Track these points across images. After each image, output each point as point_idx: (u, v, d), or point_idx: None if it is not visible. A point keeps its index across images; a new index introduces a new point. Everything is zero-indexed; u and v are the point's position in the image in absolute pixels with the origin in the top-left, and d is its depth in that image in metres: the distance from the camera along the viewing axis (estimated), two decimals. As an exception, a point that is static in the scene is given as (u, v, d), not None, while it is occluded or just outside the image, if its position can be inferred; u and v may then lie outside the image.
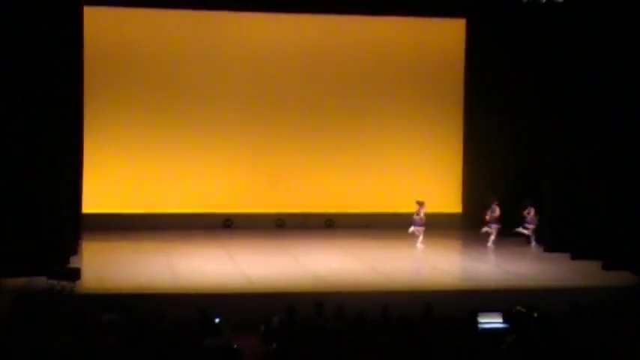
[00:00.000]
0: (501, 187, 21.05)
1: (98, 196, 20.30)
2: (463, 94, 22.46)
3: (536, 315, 12.65)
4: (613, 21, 17.22)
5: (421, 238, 19.32)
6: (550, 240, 18.90)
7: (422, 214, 19.32)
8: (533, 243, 19.60)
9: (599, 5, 17.51)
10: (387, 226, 21.54)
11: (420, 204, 19.37)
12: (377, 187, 22.31)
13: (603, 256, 17.12)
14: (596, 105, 17.74)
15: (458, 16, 22.07)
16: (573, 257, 17.88)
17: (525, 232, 19.77)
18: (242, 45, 21.47)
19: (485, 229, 19.71)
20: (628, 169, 17.12)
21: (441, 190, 22.61)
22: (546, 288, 15.48)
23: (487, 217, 19.67)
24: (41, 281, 14.53)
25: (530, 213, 19.62)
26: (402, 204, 22.23)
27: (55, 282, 14.33)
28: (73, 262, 15.82)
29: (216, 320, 12.14)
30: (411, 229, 19.42)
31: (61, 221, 16.17)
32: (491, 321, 12.32)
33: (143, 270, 16.27)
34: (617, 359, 10.78)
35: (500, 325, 12.30)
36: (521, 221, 19.83)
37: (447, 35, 22.41)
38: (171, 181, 21.44)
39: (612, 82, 17.27)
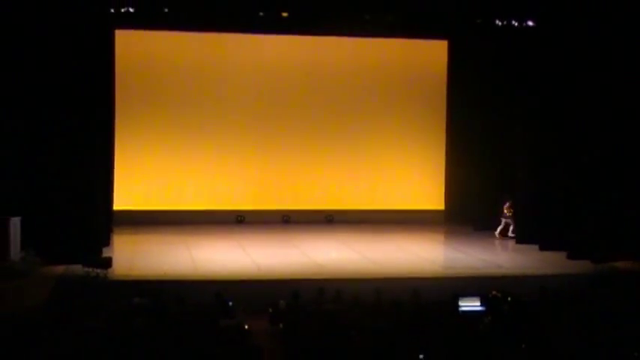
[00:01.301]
0: (479, 186, 21.06)
1: (127, 194, 20.27)
2: (445, 106, 22.42)
3: (509, 299, 12.68)
4: (577, 43, 17.25)
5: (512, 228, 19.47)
6: (521, 233, 18.90)
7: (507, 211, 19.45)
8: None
9: (565, 30, 17.53)
10: (380, 221, 21.54)
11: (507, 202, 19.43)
12: (371, 187, 22.29)
13: (568, 247, 17.15)
14: (563, 114, 17.77)
15: (441, 38, 22.00)
16: (542, 248, 17.88)
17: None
18: (252, 62, 21.44)
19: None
20: (587, 174, 17.15)
21: (427, 189, 22.61)
22: (518, 275, 15.42)
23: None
24: (78, 269, 14.53)
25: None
26: (392, 202, 22.34)
27: (89, 269, 14.34)
28: (106, 253, 15.82)
29: (230, 303, 12.19)
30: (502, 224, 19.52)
31: (95, 217, 16.25)
32: (470, 304, 12.31)
33: (166, 259, 16.26)
34: (580, 337, 10.76)
35: (478, 308, 12.29)
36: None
37: (432, 54, 22.34)
38: (191, 181, 21.41)
39: (578, 93, 17.32)
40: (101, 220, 16.83)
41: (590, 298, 13.51)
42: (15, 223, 14.53)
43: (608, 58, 16.75)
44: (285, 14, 18.82)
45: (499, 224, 19.83)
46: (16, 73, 15.04)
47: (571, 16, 17.22)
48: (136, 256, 16.47)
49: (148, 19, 18.71)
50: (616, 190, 16.92)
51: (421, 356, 9.54)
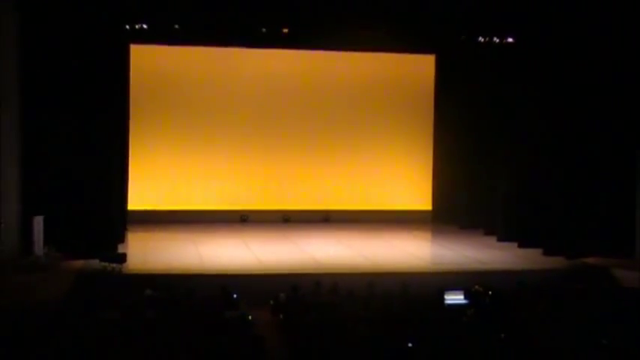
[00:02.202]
0: (464, 189, 21.08)
1: (140, 196, 20.24)
2: (433, 116, 22.40)
3: (490, 293, 12.68)
4: (551, 56, 17.29)
5: None
6: (502, 232, 18.87)
7: None
8: None
9: (540, 46, 17.58)
10: (373, 220, 21.53)
11: None
12: (364, 190, 22.25)
13: (544, 244, 17.13)
14: (538, 123, 17.78)
15: (429, 53, 22.02)
16: (520, 245, 17.84)
17: None
18: (255, 74, 21.42)
19: None
20: (561, 179, 17.20)
21: (415, 191, 22.61)
22: (499, 271, 15.39)
23: None
24: (95, 263, 14.53)
25: None
26: (384, 203, 22.33)
27: (106, 264, 14.34)
28: (121, 249, 15.81)
29: (234, 296, 12.21)
30: None
31: (111, 216, 16.24)
32: (454, 297, 12.38)
33: (176, 255, 16.24)
34: (555, 327, 10.80)
35: (462, 301, 12.34)
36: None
37: (420, 67, 22.33)
38: (199, 184, 21.36)
39: (553, 102, 17.35)
40: (117, 219, 16.84)
41: (563, 291, 13.58)
42: (38, 221, 14.54)
43: (580, 70, 16.81)
44: (285, 30, 18.82)
45: (481, 224, 19.83)
46: (43, 83, 15.04)
47: (546, 33, 17.29)
48: (148, 252, 16.47)
49: (160, 35, 18.68)
50: (587, 193, 16.95)
51: (409, 345, 9.55)
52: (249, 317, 11.18)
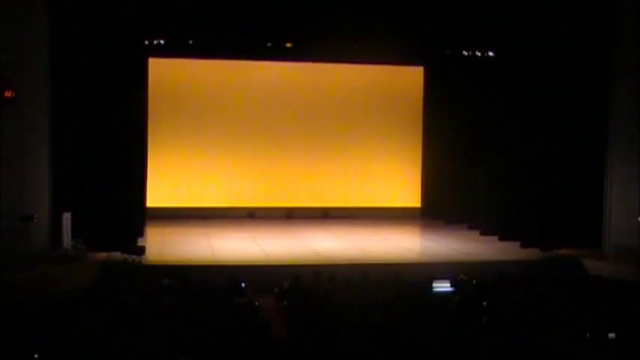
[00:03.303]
0: (450, 188, 21.07)
1: (158, 194, 20.25)
2: (422, 122, 22.43)
3: (474, 281, 12.69)
4: (526, 68, 17.35)
5: None
6: (484, 226, 18.91)
7: None
8: None
9: (517, 59, 17.61)
10: (368, 216, 21.56)
11: None
12: (360, 188, 22.27)
13: (521, 237, 17.14)
14: (519, 127, 17.80)
15: (418, 65, 22.04)
16: (500, 239, 17.87)
17: None
18: (261, 83, 21.43)
19: None
20: (536, 178, 17.21)
21: (406, 190, 22.62)
22: (482, 261, 15.39)
23: None
24: (117, 255, 14.54)
25: None
26: (378, 200, 22.36)
27: (127, 256, 14.34)
28: (140, 242, 15.82)
29: (243, 284, 12.19)
30: None
31: (131, 212, 16.23)
32: (442, 285, 12.35)
33: (190, 248, 16.23)
34: (532, 311, 10.83)
35: (449, 289, 12.32)
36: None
37: (410, 78, 22.34)
38: (211, 183, 21.38)
39: (529, 107, 17.39)
40: (136, 216, 16.84)
41: (539, 279, 13.59)
42: (67, 217, 14.53)
43: (553, 80, 16.85)
44: (289, 45, 18.84)
45: (466, 219, 19.87)
46: (70, 92, 14.98)
47: (522, 48, 17.32)
48: (165, 245, 16.48)
49: (176, 49, 18.72)
50: (560, 191, 16.97)
51: (400, 328, 9.55)
52: (256, 303, 11.13)
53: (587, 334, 9.54)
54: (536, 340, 9.12)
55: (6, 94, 13.12)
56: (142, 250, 14.65)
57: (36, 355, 7.93)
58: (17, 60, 13.61)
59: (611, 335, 9.30)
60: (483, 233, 18.73)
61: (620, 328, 9.46)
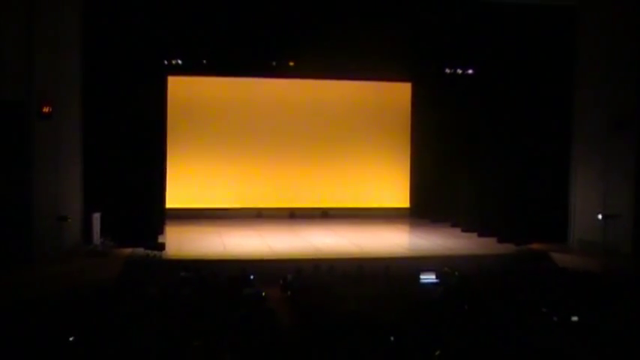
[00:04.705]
0: (435, 190, 21.10)
1: (176, 196, 20.19)
2: (410, 132, 22.40)
3: (456, 273, 12.75)
4: (501, 85, 17.44)
5: None
6: (465, 224, 18.95)
7: None
8: None
9: (494, 76, 17.70)
10: (363, 215, 21.52)
11: None
12: (355, 191, 22.21)
13: (498, 234, 17.20)
14: (495, 135, 17.88)
15: (406, 81, 22.05)
16: (479, 235, 17.91)
17: None
18: (266, 98, 21.38)
19: None
20: (511, 181, 17.26)
21: (396, 192, 22.58)
22: (463, 255, 15.42)
23: None
24: (140, 251, 14.60)
25: None
26: (371, 201, 22.28)
27: (149, 251, 14.40)
28: (160, 239, 15.84)
29: (251, 277, 12.22)
30: None
31: (153, 213, 16.29)
32: (428, 277, 12.33)
33: (204, 244, 16.24)
34: (506, 298, 10.90)
35: (434, 280, 12.30)
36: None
37: (399, 93, 22.33)
38: (222, 187, 21.32)
39: (506, 117, 17.46)
40: (157, 215, 16.85)
41: (513, 271, 13.65)
42: (96, 217, 14.62)
43: (525, 92, 16.94)
44: (291, 64, 18.88)
45: (449, 218, 19.88)
46: (99, 108, 15.04)
47: (497, 66, 17.42)
48: (182, 242, 16.48)
49: (191, 69, 18.71)
50: (531, 193, 17.02)
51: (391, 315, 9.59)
52: (263, 294, 11.22)
53: (554, 318, 9.63)
54: (510, 324, 9.17)
55: (44, 110, 13.26)
56: (162, 247, 14.71)
57: (71, 338, 7.99)
58: (54, 80, 13.73)
59: (574, 318, 9.38)
60: (464, 230, 18.77)
61: (582, 312, 9.55)
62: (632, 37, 15.35)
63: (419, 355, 7.70)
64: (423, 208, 21.74)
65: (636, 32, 15.25)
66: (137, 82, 15.46)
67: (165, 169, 18.71)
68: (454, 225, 19.61)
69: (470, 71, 19.09)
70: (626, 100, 15.59)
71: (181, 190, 20.74)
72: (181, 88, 20.29)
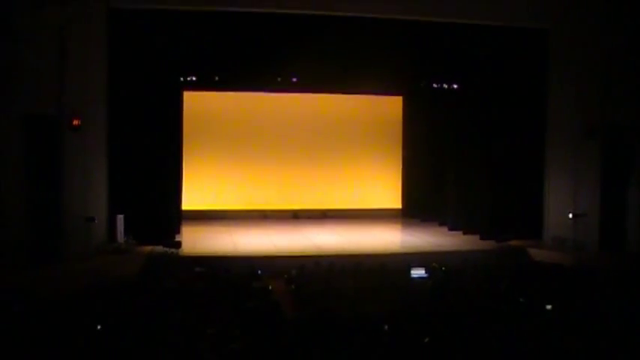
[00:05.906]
0: (424, 192, 21.13)
1: (191, 199, 20.24)
2: (401, 141, 22.48)
3: (444, 268, 12.72)
4: (484, 98, 17.51)
5: None
6: (451, 223, 18.96)
7: None
8: None
9: (478, 90, 17.79)
10: (359, 216, 21.55)
11: None
12: (352, 193, 22.24)
13: (480, 232, 17.24)
14: (477, 143, 17.92)
15: (397, 95, 22.12)
16: (464, 233, 17.96)
17: None
18: (272, 111, 21.44)
19: None
20: (492, 184, 17.29)
21: (389, 194, 22.62)
22: (449, 252, 15.41)
23: None
24: (159, 249, 14.63)
25: None
26: (367, 203, 22.28)
27: (167, 249, 14.42)
28: (177, 238, 15.83)
29: (259, 272, 12.28)
30: None
31: (170, 214, 16.29)
32: (418, 272, 12.29)
33: (216, 242, 16.26)
34: (488, 289, 10.94)
35: (424, 275, 12.27)
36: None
37: (391, 105, 22.40)
38: (233, 191, 21.35)
39: (487, 127, 17.52)
40: (174, 217, 16.86)
41: (495, 265, 13.68)
42: (120, 218, 14.68)
43: (504, 104, 17.02)
44: (294, 79, 19.00)
45: (437, 218, 19.88)
46: (122, 120, 15.06)
47: (480, 82, 17.51)
48: (197, 240, 16.48)
49: (204, 84, 18.81)
50: (510, 194, 17.04)
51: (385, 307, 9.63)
52: (270, 287, 11.24)
53: (531, 306, 9.69)
54: (491, 312, 9.23)
55: (74, 123, 13.39)
56: (178, 245, 14.73)
57: (98, 327, 8.07)
58: (83, 95, 13.84)
59: (549, 307, 9.46)
60: (451, 229, 18.79)
61: (555, 301, 9.62)
62: (598, 56, 15.50)
63: (410, 342, 7.73)
64: (414, 209, 21.79)
65: (601, 52, 15.41)
66: (156, 96, 15.54)
67: (182, 174, 18.76)
68: (442, 224, 19.63)
69: (455, 86, 19.17)
70: (594, 111, 15.70)
71: (196, 193, 20.78)
72: (196, 102, 20.34)
